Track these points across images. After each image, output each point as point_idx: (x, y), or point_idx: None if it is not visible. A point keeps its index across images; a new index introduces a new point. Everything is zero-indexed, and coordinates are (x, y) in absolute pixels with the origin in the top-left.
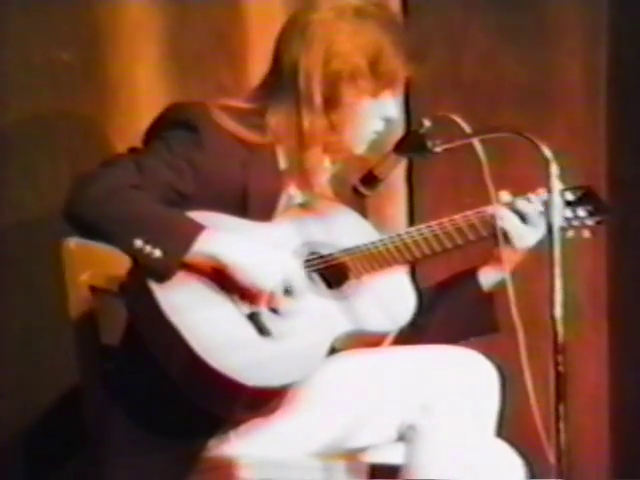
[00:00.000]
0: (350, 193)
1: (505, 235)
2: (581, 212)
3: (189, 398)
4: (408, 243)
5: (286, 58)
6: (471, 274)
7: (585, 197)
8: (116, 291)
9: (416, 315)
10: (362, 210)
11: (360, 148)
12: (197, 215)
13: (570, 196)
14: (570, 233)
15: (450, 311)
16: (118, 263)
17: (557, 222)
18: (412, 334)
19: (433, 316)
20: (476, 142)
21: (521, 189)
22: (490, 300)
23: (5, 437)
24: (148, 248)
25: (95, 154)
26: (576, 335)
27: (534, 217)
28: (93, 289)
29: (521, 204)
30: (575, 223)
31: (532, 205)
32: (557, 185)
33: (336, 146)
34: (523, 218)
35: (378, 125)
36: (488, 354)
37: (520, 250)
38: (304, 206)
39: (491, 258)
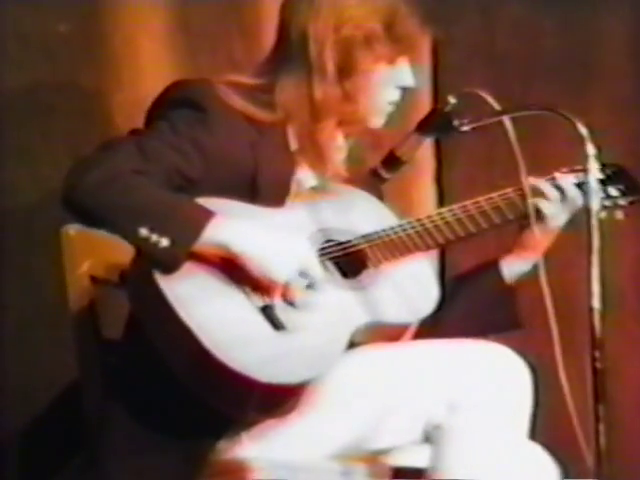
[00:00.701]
0: (366, 175)
1: (536, 215)
2: (613, 191)
3: (197, 396)
4: (429, 228)
5: (294, 27)
6: (493, 265)
7: (616, 175)
8: (118, 282)
9: (437, 307)
10: (379, 193)
11: (377, 121)
12: (204, 202)
13: (600, 174)
14: (602, 214)
15: (468, 305)
16: (121, 252)
17: (595, 205)
18: (431, 327)
19: (451, 309)
20: (506, 120)
21: (556, 170)
22: (511, 294)
23: (1, 436)
24: (154, 237)
25: (95, 134)
26: (618, 328)
27: (565, 194)
28: (94, 279)
29: (547, 186)
30: (607, 203)
31: (562, 182)
32: (594, 166)
33: (351, 117)
34: (554, 195)
35: (394, 95)
36: (519, 349)
37: (550, 231)
38: (318, 190)
39: (515, 245)
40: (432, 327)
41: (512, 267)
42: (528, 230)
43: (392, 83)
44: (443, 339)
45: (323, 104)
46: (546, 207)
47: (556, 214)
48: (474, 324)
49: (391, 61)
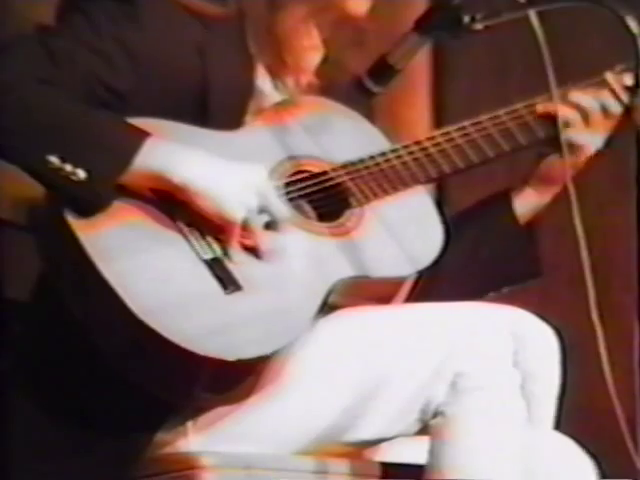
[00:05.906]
0: (349, 87)
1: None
2: None
3: (127, 378)
4: (432, 153)
5: None
6: (502, 198)
7: None
8: (27, 225)
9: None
10: (367, 111)
11: (357, 4)
12: (136, 123)
13: None
14: None
15: (471, 250)
16: (31, 187)
17: None
18: (425, 281)
19: (451, 256)
20: (533, 15)
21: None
22: (527, 233)
23: None
24: (68, 167)
25: None
26: None
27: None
28: None
29: (586, 99)
30: None
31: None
32: None
33: (332, 13)
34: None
35: None
36: (544, 314)
37: (582, 156)
38: (285, 106)
39: (532, 176)
40: (426, 280)
41: (526, 201)
42: (551, 157)
43: None
44: (435, 293)
45: None
46: (580, 129)
47: (593, 138)
48: (479, 273)
49: None
